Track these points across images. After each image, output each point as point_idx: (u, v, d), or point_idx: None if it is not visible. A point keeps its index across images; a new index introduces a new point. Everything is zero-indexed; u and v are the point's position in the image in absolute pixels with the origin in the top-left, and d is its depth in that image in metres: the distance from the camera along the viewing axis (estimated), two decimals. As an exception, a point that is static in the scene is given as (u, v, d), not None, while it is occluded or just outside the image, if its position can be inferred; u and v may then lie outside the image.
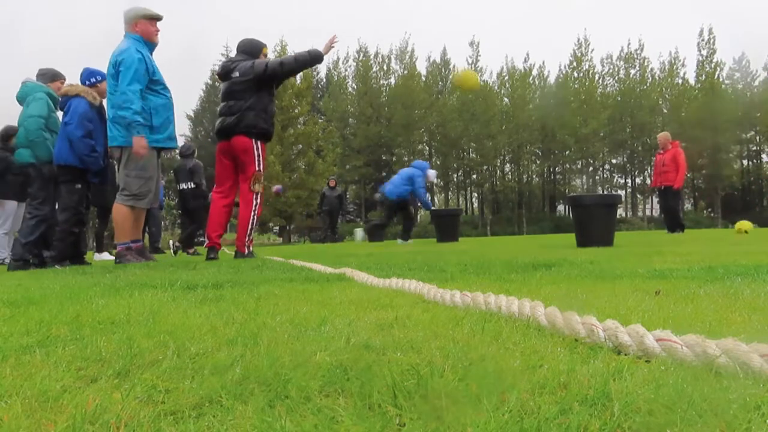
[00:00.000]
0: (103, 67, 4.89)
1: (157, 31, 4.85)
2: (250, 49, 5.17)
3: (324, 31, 53.07)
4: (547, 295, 1.65)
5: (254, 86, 4.93)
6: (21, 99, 5.24)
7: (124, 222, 4.68)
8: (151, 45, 4.78)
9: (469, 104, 37.94)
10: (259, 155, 4.97)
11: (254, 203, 4.99)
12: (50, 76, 5.44)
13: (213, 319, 1.36)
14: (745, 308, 1.31)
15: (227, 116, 4.98)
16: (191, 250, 8.61)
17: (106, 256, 7.00)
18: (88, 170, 5.06)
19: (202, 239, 9.09)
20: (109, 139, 4.71)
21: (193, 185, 9.00)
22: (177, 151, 8.89)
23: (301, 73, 30.84)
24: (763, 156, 39.84)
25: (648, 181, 39.00)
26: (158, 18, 4.84)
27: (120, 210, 4.66)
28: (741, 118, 36.43)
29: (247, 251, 5.00)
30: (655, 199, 40.53)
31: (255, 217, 5.01)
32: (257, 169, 4.96)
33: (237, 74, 4.99)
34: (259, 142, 4.97)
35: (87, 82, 5.30)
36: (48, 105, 5.19)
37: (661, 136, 9.99)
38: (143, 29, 4.73)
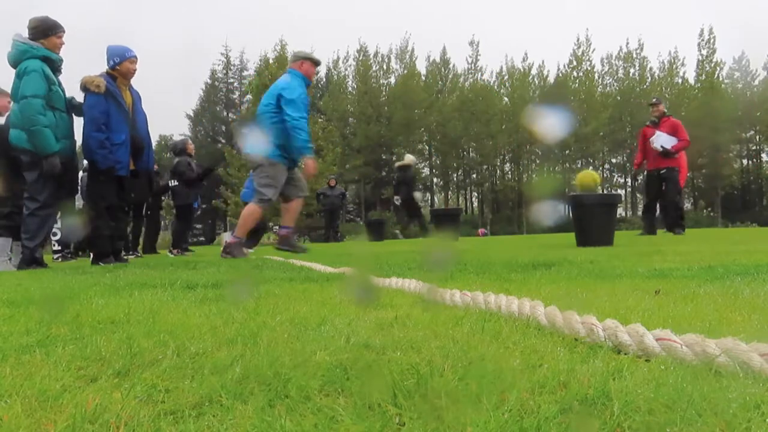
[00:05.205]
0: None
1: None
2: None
3: (324, 29, 53.06)
4: (546, 295, 1.65)
5: None
6: (14, 63, 4.16)
7: None
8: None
9: (469, 104, 37.95)
10: None
11: None
12: (42, 30, 4.20)
13: (213, 319, 1.36)
14: (744, 308, 1.31)
15: None
16: (175, 251, 8.43)
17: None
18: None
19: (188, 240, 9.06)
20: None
21: (175, 183, 8.91)
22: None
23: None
24: (763, 155, 39.87)
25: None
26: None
27: None
28: (741, 118, 36.41)
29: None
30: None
31: None
32: None
33: None
34: None
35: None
36: (44, 78, 4.04)
37: None
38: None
